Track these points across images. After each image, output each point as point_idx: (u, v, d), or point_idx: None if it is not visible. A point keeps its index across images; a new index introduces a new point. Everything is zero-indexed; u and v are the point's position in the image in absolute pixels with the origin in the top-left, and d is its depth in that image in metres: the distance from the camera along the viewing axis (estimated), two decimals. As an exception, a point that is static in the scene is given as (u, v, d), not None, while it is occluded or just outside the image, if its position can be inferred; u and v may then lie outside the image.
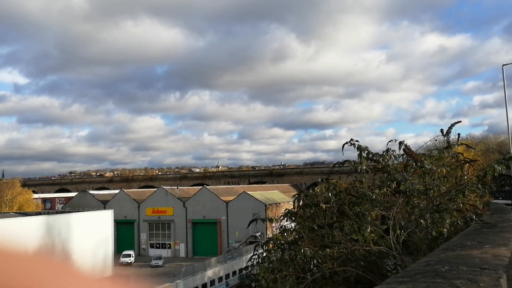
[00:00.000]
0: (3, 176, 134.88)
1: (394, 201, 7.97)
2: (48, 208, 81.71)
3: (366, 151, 7.95)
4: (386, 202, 8.14)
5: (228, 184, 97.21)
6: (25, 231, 37.16)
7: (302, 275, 7.14)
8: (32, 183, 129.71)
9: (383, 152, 8.22)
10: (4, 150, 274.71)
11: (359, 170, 7.84)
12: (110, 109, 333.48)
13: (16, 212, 56.95)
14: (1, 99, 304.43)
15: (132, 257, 62.47)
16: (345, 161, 8.40)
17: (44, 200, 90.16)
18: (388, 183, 7.89)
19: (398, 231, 7.36)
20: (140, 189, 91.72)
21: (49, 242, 39.54)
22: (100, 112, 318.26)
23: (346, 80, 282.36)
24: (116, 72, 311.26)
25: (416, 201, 7.82)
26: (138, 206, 72.13)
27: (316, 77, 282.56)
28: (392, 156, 8.22)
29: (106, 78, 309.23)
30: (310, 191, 8.14)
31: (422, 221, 7.46)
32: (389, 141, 8.29)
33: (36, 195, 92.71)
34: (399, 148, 8.01)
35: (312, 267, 6.99)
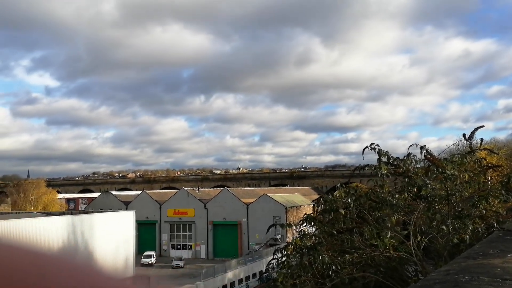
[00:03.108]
0: (28, 176, 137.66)
1: (415, 206, 7.87)
2: (72, 208, 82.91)
3: (386, 156, 7.87)
4: (406, 207, 8.04)
5: (249, 186, 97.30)
6: (49, 231, 37.83)
7: (321, 281, 7.10)
8: (57, 183, 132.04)
9: (404, 156, 8.13)
10: (32, 150, 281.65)
11: (379, 174, 7.77)
12: (136, 111, 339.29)
13: (40, 212, 58.01)
14: (33, 101, 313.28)
15: (154, 257, 62.96)
16: (366, 165, 8.34)
17: (68, 200, 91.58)
18: (409, 188, 7.80)
19: (419, 237, 7.27)
20: (161, 190, 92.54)
21: (72, 241, 40.15)
22: (127, 114, 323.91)
23: (369, 84, 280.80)
24: (143, 75, 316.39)
25: (437, 207, 7.71)
26: (160, 207, 72.69)
27: (340, 81, 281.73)
28: (413, 160, 8.12)
29: (133, 81, 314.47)
30: (329, 196, 8.09)
31: (443, 227, 7.35)
32: (410, 146, 8.20)
33: (60, 195, 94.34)
34: (421, 153, 7.91)
35: (331, 272, 6.95)
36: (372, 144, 8.03)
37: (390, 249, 7.12)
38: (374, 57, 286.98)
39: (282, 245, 8.73)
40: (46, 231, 37.66)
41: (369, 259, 7.32)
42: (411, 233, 7.17)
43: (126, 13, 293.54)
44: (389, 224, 7.47)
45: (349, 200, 7.63)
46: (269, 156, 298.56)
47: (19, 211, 65.88)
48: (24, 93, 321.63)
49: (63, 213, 52.26)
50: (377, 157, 7.94)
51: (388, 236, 7.17)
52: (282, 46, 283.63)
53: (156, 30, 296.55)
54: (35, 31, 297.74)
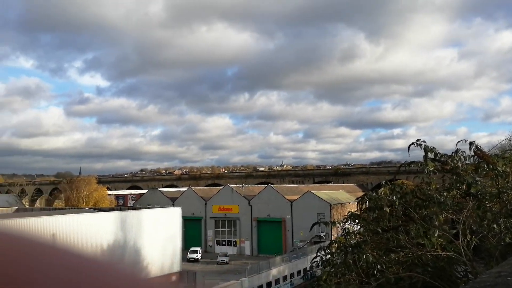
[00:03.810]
0: (80, 173, 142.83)
1: (464, 204, 7.61)
2: (121, 204, 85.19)
3: (433, 152, 7.64)
4: (455, 205, 7.78)
5: (293, 183, 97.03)
6: (100, 226, 39.20)
7: (366, 280, 6.99)
8: (107, 180, 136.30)
9: (452, 152, 7.87)
10: (84, 148, 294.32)
11: (426, 171, 7.55)
12: (182, 109, 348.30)
13: (91, 208, 60.03)
14: (85, 101, 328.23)
15: (199, 253, 63.91)
16: (412, 162, 8.13)
17: (117, 197, 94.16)
18: (458, 185, 7.54)
19: (469, 236, 7.02)
20: (207, 187, 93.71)
21: (121, 237, 41.35)
22: (173, 112, 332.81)
23: (416, 79, 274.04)
24: (189, 74, 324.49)
25: (488, 205, 7.43)
26: (205, 204, 73.71)
27: (385, 76, 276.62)
28: (462, 157, 7.85)
29: (180, 80, 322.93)
30: (374, 194, 7.94)
31: (495, 226, 7.07)
32: (458, 141, 7.93)
33: (110, 192, 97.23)
34: (470, 149, 7.63)
35: (376, 272, 6.82)
36: (418, 140, 7.82)
37: (438, 248, 6.92)
38: (421, 51, 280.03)
39: (326, 243, 8.66)
40: (97, 226, 39.04)
41: (416, 259, 7.15)
42: (460, 232, 6.94)
43: (172, 14, 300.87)
44: (436, 223, 7.25)
45: (394, 197, 7.46)
46: (313, 153, 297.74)
47: (72, 207, 68.60)
48: (76, 93, 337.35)
49: (112, 209, 53.86)
50: (424, 153, 7.72)
51: (436, 235, 6.97)
52: (326, 43, 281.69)
53: (201, 29, 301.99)
54: (87, 34, 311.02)
